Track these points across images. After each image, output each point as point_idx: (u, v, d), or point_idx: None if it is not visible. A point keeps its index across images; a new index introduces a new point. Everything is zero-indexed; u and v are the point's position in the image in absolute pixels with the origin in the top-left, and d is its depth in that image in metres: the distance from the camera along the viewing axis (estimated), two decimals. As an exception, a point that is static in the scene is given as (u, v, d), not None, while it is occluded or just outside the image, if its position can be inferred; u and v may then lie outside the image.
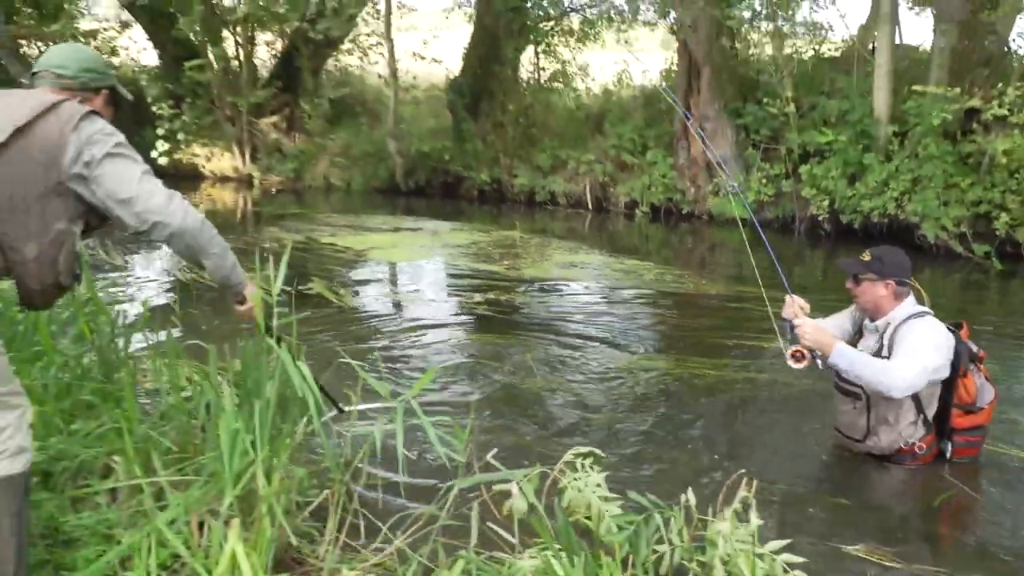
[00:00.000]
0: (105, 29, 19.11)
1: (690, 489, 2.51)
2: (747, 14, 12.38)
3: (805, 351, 3.46)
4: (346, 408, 3.09)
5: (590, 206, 13.48)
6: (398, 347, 5.61)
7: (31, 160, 2.10)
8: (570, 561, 2.08)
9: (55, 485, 2.62)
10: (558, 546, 2.16)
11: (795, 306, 3.56)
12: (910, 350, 3.31)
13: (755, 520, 2.22)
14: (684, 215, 12.42)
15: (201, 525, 2.36)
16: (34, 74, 2.38)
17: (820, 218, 10.63)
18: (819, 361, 3.44)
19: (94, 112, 2.24)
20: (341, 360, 2.87)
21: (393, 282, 8.29)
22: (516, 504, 2.43)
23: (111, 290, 6.67)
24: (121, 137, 2.25)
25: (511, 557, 2.33)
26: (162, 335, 3.51)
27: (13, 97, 2.21)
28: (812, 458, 3.85)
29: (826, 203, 10.43)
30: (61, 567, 2.31)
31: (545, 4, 15.94)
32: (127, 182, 2.20)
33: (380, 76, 17.36)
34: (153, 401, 3.02)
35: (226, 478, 2.31)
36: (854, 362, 3.33)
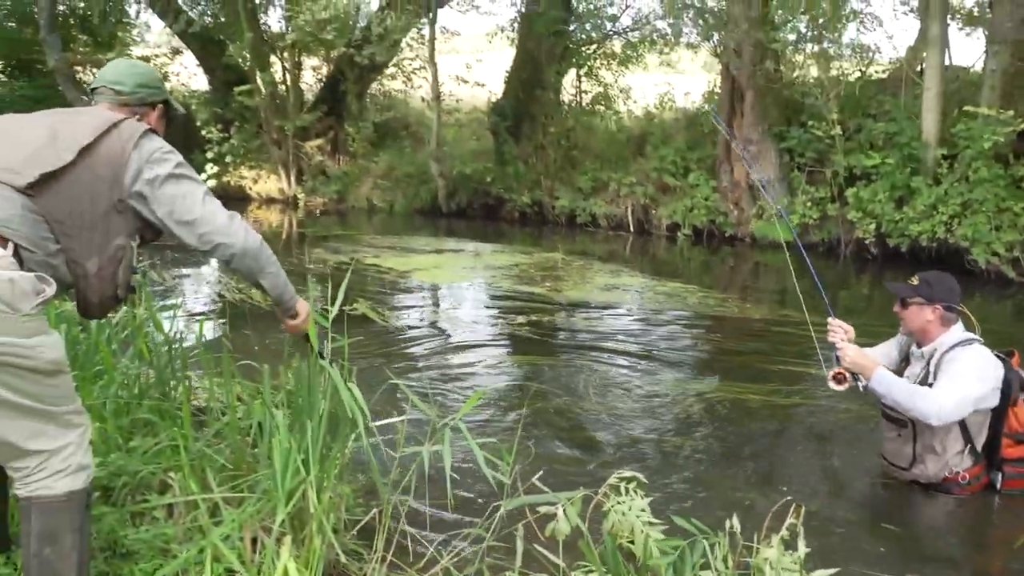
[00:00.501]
0: (157, 56, 19.72)
1: (735, 515, 2.50)
2: (792, 36, 12.34)
3: (846, 373, 3.48)
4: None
5: (631, 228, 13.47)
6: (441, 368, 5.66)
7: (97, 178, 2.16)
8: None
9: (115, 500, 2.70)
10: (604, 568, 2.18)
11: (838, 329, 3.56)
12: (953, 377, 3.28)
13: (803, 548, 2.21)
14: (727, 238, 12.36)
15: (254, 541, 2.42)
16: (93, 90, 2.46)
17: (866, 242, 10.51)
18: (860, 385, 3.46)
19: (152, 130, 2.32)
20: (391, 382, 2.90)
21: (435, 303, 8.37)
22: (558, 526, 2.44)
23: (163, 303, 6.83)
24: (180, 157, 2.32)
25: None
26: (215, 354, 3.59)
27: (78, 116, 2.29)
28: (857, 485, 3.80)
29: (872, 227, 10.30)
30: (119, 579, 2.38)
31: (587, 28, 16.06)
32: (191, 204, 2.26)
33: (423, 99, 17.59)
34: (208, 419, 3.09)
35: (279, 496, 2.37)
36: (891, 387, 3.33)
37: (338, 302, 2.68)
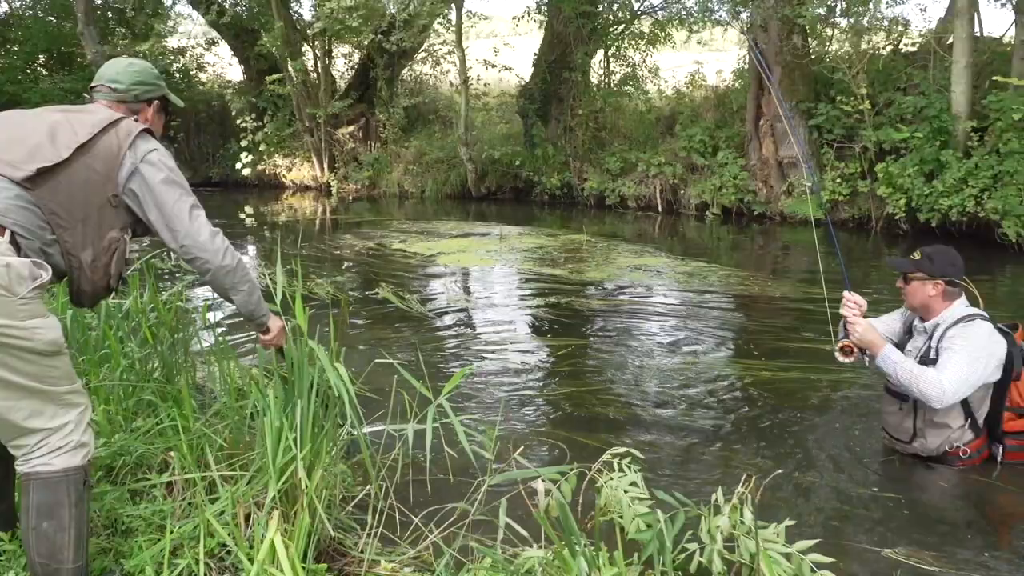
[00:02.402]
0: (193, 47, 20.01)
1: (720, 488, 2.54)
2: (822, 11, 12.12)
3: (854, 347, 3.49)
4: None
5: (660, 208, 13.42)
6: (455, 349, 5.73)
7: (92, 173, 2.27)
8: (571, 552, 2.17)
9: (116, 479, 2.81)
10: (559, 539, 2.24)
11: (852, 303, 3.56)
12: (953, 358, 3.26)
13: (749, 516, 2.27)
14: (756, 216, 12.27)
15: (247, 517, 2.52)
16: (92, 88, 2.58)
17: (897, 217, 10.36)
18: (867, 359, 3.47)
19: (148, 131, 2.43)
20: (377, 361, 2.98)
21: (457, 286, 8.43)
22: (543, 501, 2.50)
23: (184, 291, 6.99)
24: (173, 163, 2.43)
25: (527, 550, 2.41)
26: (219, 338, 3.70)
27: (78, 114, 2.39)
28: (860, 459, 3.79)
29: (903, 202, 10.14)
30: (120, 555, 2.49)
31: (615, 8, 15.95)
32: (178, 213, 2.38)
33: (452, 84, 17.65)
34: (208, 400, 3.20)
35: (270, 473, 2.46)
36: (897, 366, 3.33)
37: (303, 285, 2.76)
